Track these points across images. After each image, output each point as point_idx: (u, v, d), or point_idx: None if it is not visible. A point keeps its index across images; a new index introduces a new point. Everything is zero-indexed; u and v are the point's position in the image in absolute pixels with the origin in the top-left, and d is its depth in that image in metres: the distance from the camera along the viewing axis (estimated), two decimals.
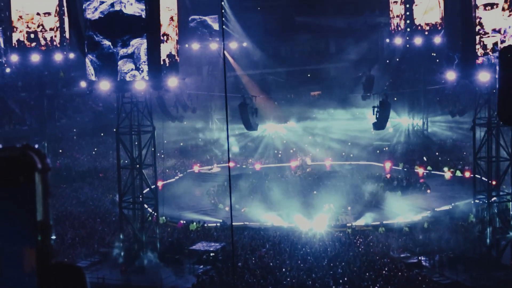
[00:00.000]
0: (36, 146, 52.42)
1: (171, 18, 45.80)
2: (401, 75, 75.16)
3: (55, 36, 61.50)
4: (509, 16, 41.56)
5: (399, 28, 69.93)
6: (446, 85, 54.38)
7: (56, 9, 61.17)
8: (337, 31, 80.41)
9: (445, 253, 44.72)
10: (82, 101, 68.49)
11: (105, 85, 43.37)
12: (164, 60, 44.05)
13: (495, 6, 41.60)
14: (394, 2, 69.70)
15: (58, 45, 61.98)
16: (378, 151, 71.98)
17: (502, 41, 41.37)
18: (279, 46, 78.75)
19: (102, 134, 71.26)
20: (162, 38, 44.06)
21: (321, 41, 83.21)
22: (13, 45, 60.30)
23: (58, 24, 61.07)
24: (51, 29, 61.50)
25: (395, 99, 74.39)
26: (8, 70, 61.35)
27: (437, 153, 68.33)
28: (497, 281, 39.57)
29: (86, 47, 43.54)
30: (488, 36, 41.86)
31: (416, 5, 66.50)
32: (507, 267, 42.16)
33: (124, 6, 42.42)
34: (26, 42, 60.78)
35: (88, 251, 46.48)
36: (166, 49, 44.64)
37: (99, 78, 43.19)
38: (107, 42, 42.66)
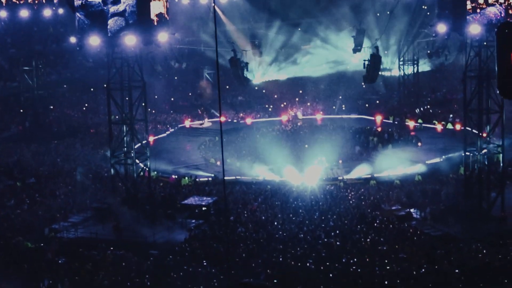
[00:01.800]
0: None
1: None
2: (392, 28, 75.00)
3: None
4: None
5: None
6: (437, 37, 54.18)
7: None
8: None
9: (436, 205, 45.11)
10: (71, 57, 68.16)
11: (95, 41, 43.09)
12: (154, 16, 43.81)
13: None
14: None
15: (44, 1, 61.67)
16: (367, 105, 72.15)
17: None
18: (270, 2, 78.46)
19: (92, 90, 71.19)
20: None
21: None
22: (1, 1, 59.89)
23: None
24: None
25: (386, 52, 74.51)
26: None
27: (427, 106, 68.47)
28: (487, 232, 39.87)
29: (74, 4, 43.22)
30: None
31: None
32: (497, 218, 42.51)
33: None
34: None
35: (80, 207, 46.67)
36: (157, 4, 44.33)
37: (89, 34, 43.01)
38: (97, 0, 42.35)
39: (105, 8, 42.18)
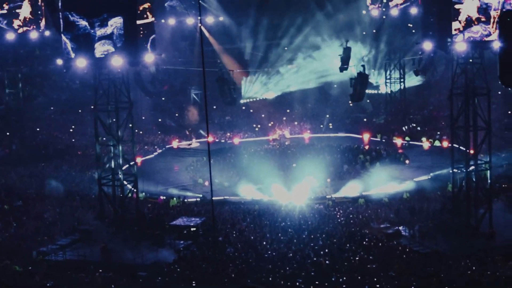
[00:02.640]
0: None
1: None
2: (379, 46, 75.43)
3: (30, 15, 61.28)
4: None
5: (377, 2, 70.46)
6: (423, 55, 54.44)
7: None
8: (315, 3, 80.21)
9: (424, 222, 45.23)
10: (58, 79, 68.23)
11: (81, 62, 43.23)
12: (140, 36, 43.97)
13: None
14: None
15: (33, 27, 61.84)
16: (353, 123, 72.36)
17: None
18: (255, 20, 78.62)
19: (80, 111, 71.21)
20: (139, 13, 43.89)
21: (298, 15, 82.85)
22: None
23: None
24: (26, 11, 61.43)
25: (373, 70, 74.81)
26: None
27: (414, 125, 68.74)
28: (476, 249, 39.99)
29: (61, 27, 43.39)
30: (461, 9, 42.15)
31: None
32: (485, 235, 42.65)
33: None
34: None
35: (68, 229, 46.58)
36: (143, 25, 44.50)
37: (75, 56, 43.15)
38: (83, 23, 42.43)
39: (92, 31, 42.31)
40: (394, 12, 68.35)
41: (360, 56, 72.42)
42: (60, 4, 43.31)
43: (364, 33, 76.56)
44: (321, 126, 72.51)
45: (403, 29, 71.34)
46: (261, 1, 78.62)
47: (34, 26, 61.48)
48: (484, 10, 41.40)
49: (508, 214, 44.70)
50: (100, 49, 42.57)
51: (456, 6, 41.62)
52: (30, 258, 41.19)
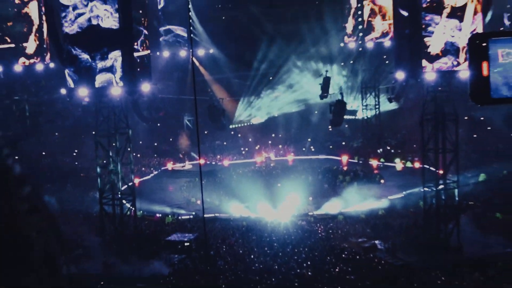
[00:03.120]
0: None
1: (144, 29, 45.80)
2: (356, 75, 75.91)
3: (36, 48, 61.39)
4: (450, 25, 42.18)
5: (354, 36, 71.07)
6: (396, 83, 54.82)
7: (36, 23, 61.08)
8: (298, 35, 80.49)
9: (398, 237, 45.47)
10: (62, 107, 68.31)
11: (83, 92, 43.43)
12: (137, 67, 44.18)
13: (439, 14, 42.21)
14: (353, 14, 70.66)
15: (39, 59, 61.92)
16: (331, 147, 72.54)
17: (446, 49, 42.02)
18: (242, 52, 78.94)
19: (82, 136, 71.32)
20: (135, 45, 44.13)
21: (281, 46, 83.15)
22: None
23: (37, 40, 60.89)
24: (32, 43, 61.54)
25: (351, 97, 75.18)
26: None
27: (388, 147, 69.04)
28: (445, 261, 40.16)
29: (64, 60, 43.62)
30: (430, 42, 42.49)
31: (370, 18, 67.49)
32: (454, 248, 42.84)
33: (102, 20, 42.39)
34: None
35: (71, 245, 46.53)
36: (140, 57, 44.73)
37: (78, 86, 43.35)
38: (85, 56, 42.64)
39: (93, 63, 42.54)
40: (370, 44, 68.90)
41: (339, 85, 72.85)
42: (63, 38, 43.55)
43: (342, 63, 77.07)
44: (303, 149, 72.67)
45: (378, 60, 71.88)
46: (250, 36, 78.86)
47: (39, 59, 61.59)
48: (451, 43, 41.77)
49: (474, 229, 44.86)
50: (101, 79, 42.78)
51: (426, 39, 42.01)
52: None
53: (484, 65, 2.33)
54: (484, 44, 2.36)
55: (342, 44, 74.68)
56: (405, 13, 43.87)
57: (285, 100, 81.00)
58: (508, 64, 2.30)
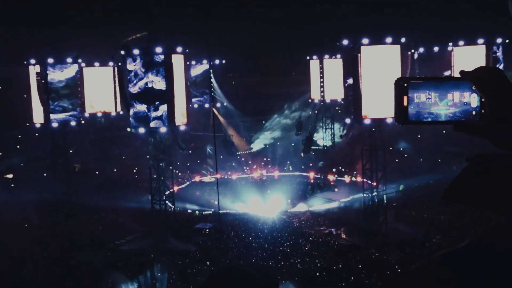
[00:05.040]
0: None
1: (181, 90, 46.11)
2: (320, 120, 76.05)
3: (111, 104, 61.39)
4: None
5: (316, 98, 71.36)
6: (346, 125, 54.98)
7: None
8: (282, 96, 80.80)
9: (347, 226, 45.60)
10: (128, 140, 68.36)
11: (141, 130, 43.86)
12: (177, 114, 44.56)
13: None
14: (315, 82, 70.83)
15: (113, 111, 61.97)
16: (303, 167, 72.59)
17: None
18: (246, 105, 79.29)
19: (141, 160, 71.04)
20: (175, 100, 44.46)
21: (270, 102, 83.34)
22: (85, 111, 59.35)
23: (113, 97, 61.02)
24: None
25: (315, 134, 75.29)
26: (83, 122, 60.45)
27: (340, 167, 69.06)
28: (377, 243, 40.20)
29: (129, 110, 44.08)
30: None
31: (325, 82, 67.91)
32: (383, 233, 42.98)
33: (154, 83, 42.88)
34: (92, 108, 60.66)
35: (131, 230, 46.56)
36: (179, 106, 45.09)
37: (138, 126, 43.77)
38: (143, 107, 43.08)
39: (148, 113, 42.93)
40: (328, 100, 69.11)
41: (308, 126, 73.25)
42: (129, 96, 43.89)
43: (310, 113, 77.33)
44: (285, 168, 72.71)
45: (333, 109, 72.20)
46: (250, 94, 79.43)
47: (114, 108, 61.70)
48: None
49: (396, 221, 45.00)
50: (153, 124, 43.18)
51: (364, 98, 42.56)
52: (109, 248, 41.35)
53: (404, 98, 2.60)
54: (405, 84, 2.63)
55: (310, 100, 74.74)
56: (350, 81, 44.40)
57: (273, 135, 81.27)
58: (420, 101, 2.59)
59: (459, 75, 2.71)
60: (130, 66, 43.38)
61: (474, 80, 2.66)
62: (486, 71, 2.62)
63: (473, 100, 2.70)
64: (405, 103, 2.91)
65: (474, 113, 2.69)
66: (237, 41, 72.13)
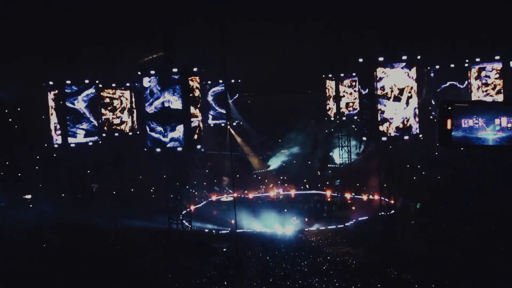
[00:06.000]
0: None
1: (198, 110, 46.50)
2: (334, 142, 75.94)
3: (128, 124, 62.14)
4: (403, 106, 42.67)
5: (332, 116, 71.57)
6: (363, 143, 54.97)
7: (128, 104, 62.04)
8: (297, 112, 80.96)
9: (365, 244, 45.34)
10: (145, 159, 68.43)
11: (158, 150, 44.24)
12: (194, 135, 44.86)
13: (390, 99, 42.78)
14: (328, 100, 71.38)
15: (130, 132, 62.58)
16: (319, 185, 72.42)
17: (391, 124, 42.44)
18: (263, 123, 79.47)
19: (158, 180, 71.07)
20: (192, 120, 44.79)
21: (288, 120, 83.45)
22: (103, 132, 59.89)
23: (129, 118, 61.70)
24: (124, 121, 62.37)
25: (331, 152, 75.18)
26: (100, 142, 60.68)
27: (357, 184, 68.79)
28: (396, 260, 39.84)
29: (146, 131, 44.50)
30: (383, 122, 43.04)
31: (341, 101, 68.05)
32: (401, 251, 42.52)
33: (171, 103, 43.30)
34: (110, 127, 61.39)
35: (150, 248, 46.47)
36: (195, 127, 45.39)
37: (156, 148, 44.14)
38: (159, 128, 43.45)
39: (165, 133, 43.30)
40: (344, 118, 69.07)
41: (324, 143, 73.24)
42: (145, 115, 44.37)
43: (326, 131, 77.13)
44: (302, 187, 72.62)
45: (349, 127, 72.00)
46: (264, 113, 79.64)
47: (131, 127, 62.27)
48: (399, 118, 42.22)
49: (414, 240, 44.69)
50: (170, 144, 43.51)
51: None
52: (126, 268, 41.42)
53: (448, 121, 2.63)
54: (450, 108, 2.66)
55: (326, 118, 74.81)
56: (366, 99, 44.50)
57: (289, 153, 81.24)
58: (466, 125, 2.62)
59: (503, 100, 2.79)
60: (146, 83, 43.91)
61: None
62: None
63: None
64: (449, 126, 2.95)
65: None
66: (253, 59, 72.37)
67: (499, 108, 2.88)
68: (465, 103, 2.95)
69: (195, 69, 45.05)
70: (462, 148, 3.02)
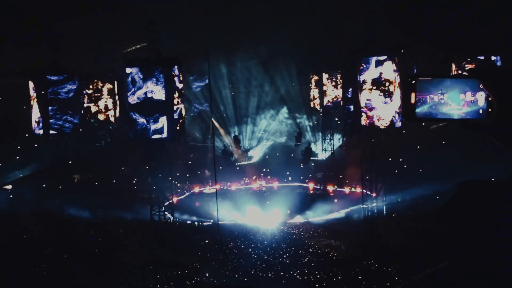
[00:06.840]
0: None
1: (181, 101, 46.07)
2: (320, 132, 75.85)
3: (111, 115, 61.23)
4: (384, 98, 42.71)
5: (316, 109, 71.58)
6: (345, 135, 55.02)
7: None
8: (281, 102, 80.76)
9: (347, 237, 45.52)
10: (127, 150, 67.67)
11: (140, 142, 43.96)
12: (176, 126, 44.55)
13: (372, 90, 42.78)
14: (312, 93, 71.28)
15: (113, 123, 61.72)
16: (301, 177, 72.43)
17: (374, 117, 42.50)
18: (246, 114, 79.12)
19: (140, 172, 70.62)
20: (175, 111, 44.46)
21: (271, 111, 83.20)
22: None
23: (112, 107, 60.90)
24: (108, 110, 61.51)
25: (314, 144, 75.14)
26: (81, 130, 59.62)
27: (340, 176, 69.00)
28: (377, 253, 40.07)
29: (128, 122, 44.15)
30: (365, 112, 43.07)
31: (326, 95, 67.77)
32: (383, 244, 42.77)
33: (154, 93, 42.95)
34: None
35: (131, 240, 46.33)
36: (179, 118, 45.08)
37: (135, 138, 43.81)
38: (142, 119, 43.10)
39: (148, 125, 42.93)
40: (327, 111, 69.05)
41: (307, 136, 73.19)
42: (128, 106, 44.00)
43: (309, 123, 77.10)
44: (285, 180, 72.68)
45: (331, 119, 71.92)
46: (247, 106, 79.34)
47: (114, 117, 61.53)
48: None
49: (395, 233, 44.96)
50: (153, 135, 43.20)
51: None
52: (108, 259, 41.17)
53: (412, 95, 2.57)
54: (413, 82, 2.60)
55: (309, 111, 74.56)
56: (349, 92, 44.52)
57: (271, 145, 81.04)
58: (429, 98, 2.56)
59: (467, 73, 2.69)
60: (129, 73, 43.48)
61: (482, 78, 2.65)
62: (494, 69, 2.61)
63: (480, 98, 2.68)
64: (413, 100, 2.87)
65: (481, 111, 2.66)
66: (237, 50, 71.88)
67: (460, 81, 2.74)
68: (429, 76, 2.83)
69: (178, 60, 44.70)
70: (425, 123, 2.93)
